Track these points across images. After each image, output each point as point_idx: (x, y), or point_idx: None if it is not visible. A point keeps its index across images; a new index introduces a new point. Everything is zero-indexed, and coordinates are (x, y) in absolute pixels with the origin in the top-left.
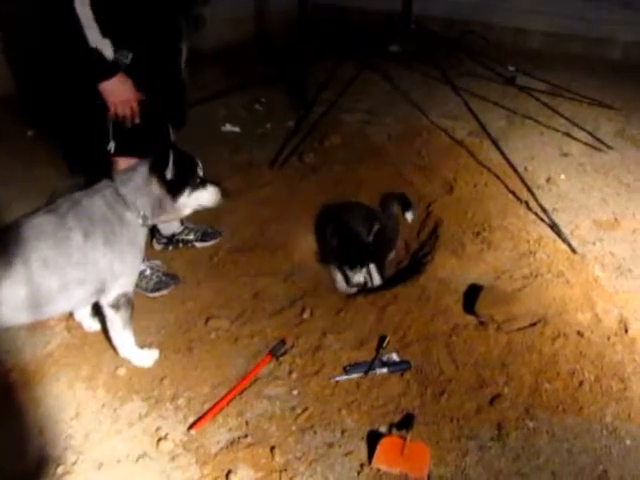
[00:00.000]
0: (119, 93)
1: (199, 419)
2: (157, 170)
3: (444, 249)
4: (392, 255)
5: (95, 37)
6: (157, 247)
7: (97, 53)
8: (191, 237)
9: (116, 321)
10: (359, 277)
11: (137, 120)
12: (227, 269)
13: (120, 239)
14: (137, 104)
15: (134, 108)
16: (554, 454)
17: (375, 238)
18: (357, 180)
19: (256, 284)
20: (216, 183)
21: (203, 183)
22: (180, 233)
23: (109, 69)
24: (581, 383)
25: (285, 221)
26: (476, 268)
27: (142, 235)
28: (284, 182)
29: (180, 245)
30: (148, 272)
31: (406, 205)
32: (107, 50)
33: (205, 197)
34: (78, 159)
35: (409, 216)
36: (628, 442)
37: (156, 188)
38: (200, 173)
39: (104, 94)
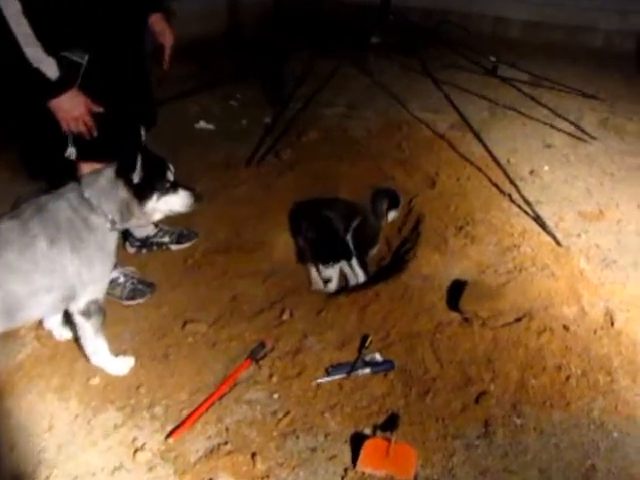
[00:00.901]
0: (69, 110)
1: (177, 427)
2: (123, 173)
3: (426, 245)
4: (374, 251)
5: (37, 56)
6: (130, 250)
7: (40, 74)
8: (166, 239)
9: (87, 328)
10: (329, 272)
11: (94, 133)
12: (203, 271)
13: (87, 245)
14: (92, 117)
15: (88, 123)
16: (542, 450)
17: (355, 233)
18: (336, 176)
19: (234, 286)
20: (188, 187)
21: (174, 187)
22: (154, 235)
23: (54, 88)
24: (568, 377)
25: (262, 220)
26: (459, 263)
27: (112, 240)
28: (261, 180)
29: (154, 248)
30: (122, 279)
31: (394, 202)
32: (51, 69)
33: (176, 202)
34: (37, 165)
35: (392, 215)
36: (615, 435)
37: (123, 192)
38: (171, 176)
39: (54, 111)
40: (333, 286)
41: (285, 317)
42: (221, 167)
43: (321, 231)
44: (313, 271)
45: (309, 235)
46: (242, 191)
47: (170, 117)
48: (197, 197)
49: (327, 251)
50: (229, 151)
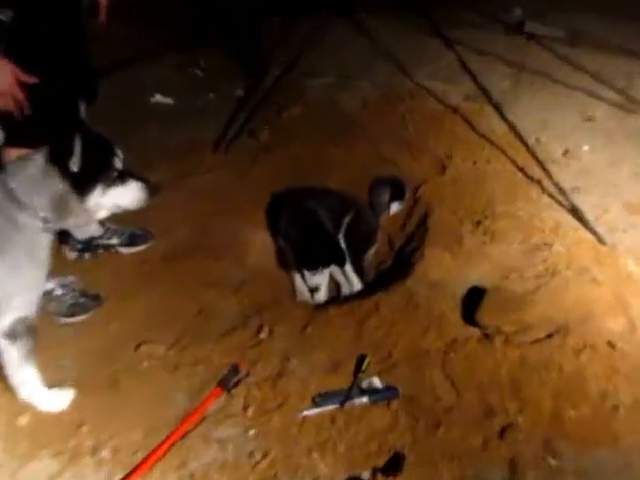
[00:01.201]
0: None
1: (129, 475)
2: (58, 160)
3: (436, 244)
4: (372, 252)
5: None
6: (71, 255)
7: None
8: (114, 241)
9: (13, 354)
10: (317, 280)
11: (26, 111)
12: (162, 280)
13: (13, 248)
14: (23, 92)
15: (17, 97)
16: None
17: (349, 231)
18: (325, 161)
19: (199, 298)
20: (141, 178)
21: (122, 177)
22: (100, 237)
23: None
24: (615, 407)
25: (234, 217)
26: (477, 266)
27: (44, 242)
28: (232, 167)
29: (100, 252)
30: (59, 292)
31: (397, 193)
32: None
33: (124, 196)
34: None
35: (394, 207)
36: None
37: (57, 183)
38: (118, 164)
39: None
40: (322, 296)
41: (263, 335)
42: (182, 152)
43: (306, 229)
44: (297, 278)
45: (292, 234)
46: (209, 181)
47: (117, 89)
48: (152, 189)
49: (314, 253)
50: (192, 132)
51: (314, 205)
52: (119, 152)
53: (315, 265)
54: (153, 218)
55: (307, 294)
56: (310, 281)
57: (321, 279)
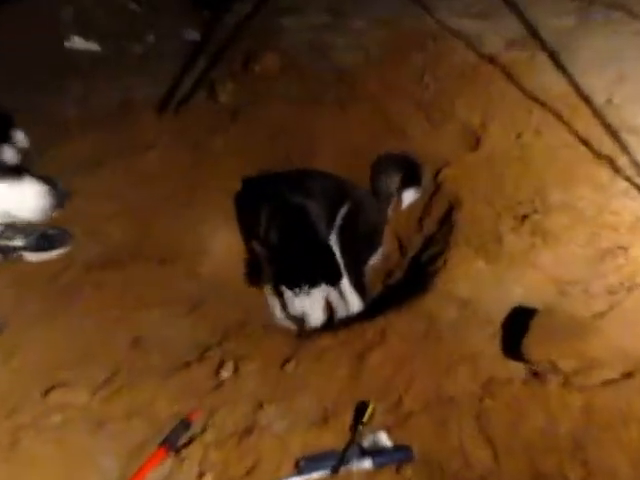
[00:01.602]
0: None
1: None
2: None
3: (466, 247)
4: (376, 259)
5: None
6: None
7: None
8: (18, 243)
9: None
10: (300, 304)
11: None
12: (84, 298)
13: None
14: None
15: None
16: None
17: (344, 230)
18: (311, 132)
19: (137, 322)
20: (45, 179)
21: (17, 175)
22: None
23: None
24: None
25: (187, 210)
26: (523, 278)
27: None
28: (184, 140)
29: None
30: None
31: (411, 177)
32: None
33: (17, 203)
34: None
35: (407, 197)
36: None
37: None
38: (9, 152)
39: None
40: (316, 318)
41: (226, 373)
42: (114, 116)
43: (292, 232)
44: (274, 297)
45: (271, 238)
46: (151, 159)
47: (17, 27)
48: (59, 196)
49: (300, 267)
50: (127, 90)
51: (302, 199)
52: (17, 133)
53: (299, 283)
54: (73, 211)
55: (285, 320)
56: (293, 306)
57: (309, 303)
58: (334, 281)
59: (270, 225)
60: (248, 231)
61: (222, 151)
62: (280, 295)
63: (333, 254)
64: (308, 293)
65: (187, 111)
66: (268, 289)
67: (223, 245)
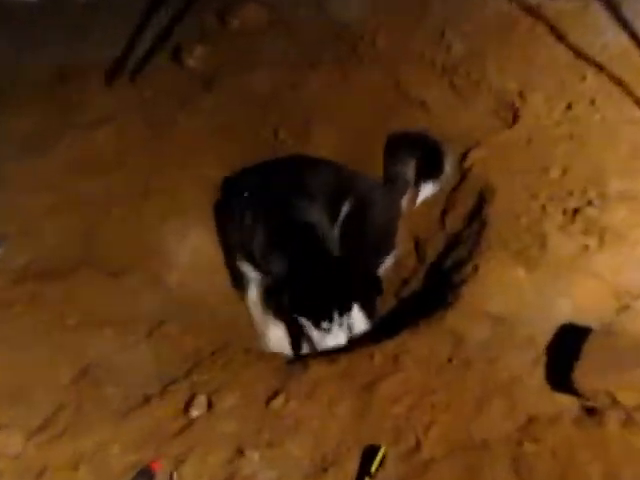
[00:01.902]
0: None
1: None
2: None
3: (500, 250)
4: (387, 266)
5: None
6: None
7: None
8: None
9: None
10: (335, 337)
11: None
12: (16, 316)
13: None
14: None
15: None
16: None
17: (346, 232)
18: (305, 106)
19: (83, 348)
20: None
21: None
22: None
23: None
24: None
25: (146, 204)
26: (574, 289)
27: None
28: (141, 114)
29: None
30: None
31: (433, 162)
32: None
33: None
34: None
35: (428, 186)
36: None
37: None
38: None
39: None
40: (339, 338)
41: (196, 411)
42: (53, 85)
43: (297, 256)
44: (269, 321)
45: (271, 264)
46: (101, 139)
47: None
48: None
49: (321, 297)
50: (68, 50)
51: (293, 194)
52: None
53: (325, 314)
54: (3, 209)
55: (278, 341)
56: (323, 342)
57: (341, 334)
58: (343, 307)
59: (270, 250)
60: (231, 243)
61: (192, 130)
62: (285, 319)
63: (338, 268)
64: (340, 320)
65: (146, 79)
66: (257, 304)
67: (194, 248)
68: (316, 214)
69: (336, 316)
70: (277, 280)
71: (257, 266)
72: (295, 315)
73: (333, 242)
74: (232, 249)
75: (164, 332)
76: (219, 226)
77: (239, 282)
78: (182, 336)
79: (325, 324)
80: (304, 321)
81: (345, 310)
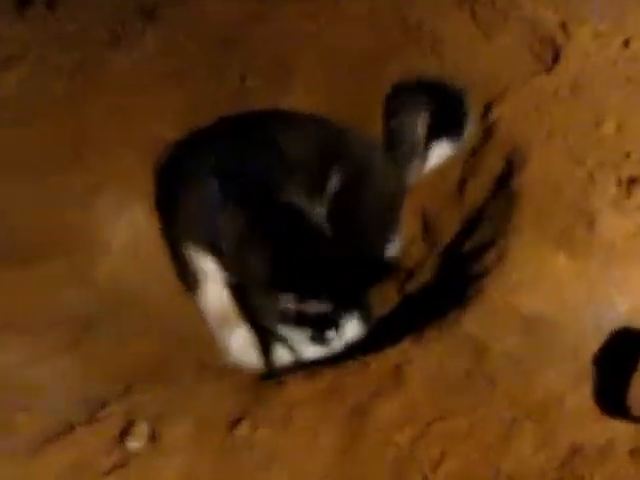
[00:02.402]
0: None
1: None
2: None
3: (534, 232)
4: (390, 254)
5: None
6: None
7: None
8: None
9: None
10: (334, 337)
11: None
12: None
13: None
14: None
15: None
16: None
17: (336, 211)
18: (281, 41)
19: None
20: None
21: None
22: None
23: None
24: None
25: (68, 176)
26: (631, 283)
27: None
28: (64, 53)
29: None
30: None
31: (448, 115)
32: None
33: None
34: None
35: (443, 149)
36: None
37: None
38: None
39: None
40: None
41: (136, 443)
42: None
43: (255, 222)
44: (220, 316)
45: (252, 266)
46: (7, 85)
47: None
48: None
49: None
50: None
51: (265, 159)
52: None
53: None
54: None
55: (249, 352)
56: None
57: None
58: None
59: (246, 240)
60: (180, 226)
61: (129, 75)
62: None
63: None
64: (344, 320)
65: (69, 8)
66: (212, 304)
67: (132, 230)
68: (297, 191)
69: (341, 316)
70: (260, 281)
71: (222, 259)
72: (288, 324)
73: (323, 228)
74: (181, 234)
75: (92, 339)
76: (163, 202)
77: (190, 277)
78: (116, 345)
79: (331, 334)
80: (298, 332)
81: (352, 311)
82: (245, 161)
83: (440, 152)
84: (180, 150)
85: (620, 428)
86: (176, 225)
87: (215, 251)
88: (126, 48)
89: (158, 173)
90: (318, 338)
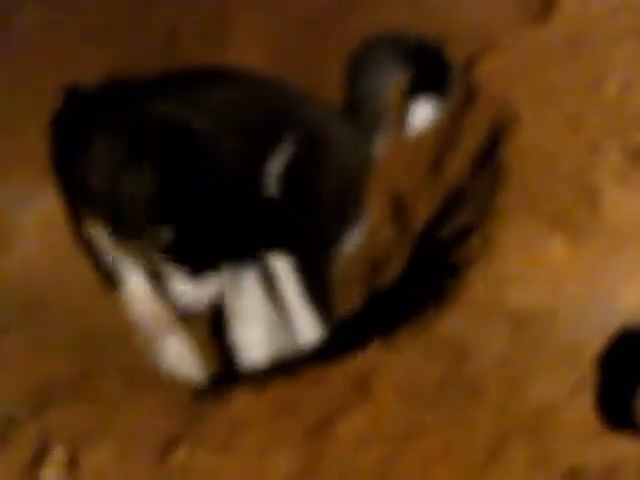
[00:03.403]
0: None
1: None
2: None
3: (526, 213)
4: (354, 242)
5: None
6: None
7: None
8: None
9: None
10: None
11: None
12: None
13: None
14: None
15: None
16: None
17: (287, 190)
18: None
19: None
20: None
21: None
22: None
23: None
24: None
25: None
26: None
27: None
28: None
29: None
30: None
31: (426, 74)
32: None
33: None
34: None
35: (421, 114)
36: None
37: None
38: None
39: None
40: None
41: (51, 470)
42: None
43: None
44: (151, 314)
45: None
46: None
47: None
48: None
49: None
50: None
51: (195, 117)
52: None
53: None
54: None
55: (187, 359)
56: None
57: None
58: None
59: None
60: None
61: (36, 31)
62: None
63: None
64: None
65: None
66: (139, 300)
67: (44, 216)
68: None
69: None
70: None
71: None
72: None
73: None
74: (83, 213)
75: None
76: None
77: (106, 269)
78: (27, 352)
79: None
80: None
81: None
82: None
83: (420, 119)
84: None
85: (627, 444)
86: (78, 202)
87: (117, 223)
88: (33, 8)
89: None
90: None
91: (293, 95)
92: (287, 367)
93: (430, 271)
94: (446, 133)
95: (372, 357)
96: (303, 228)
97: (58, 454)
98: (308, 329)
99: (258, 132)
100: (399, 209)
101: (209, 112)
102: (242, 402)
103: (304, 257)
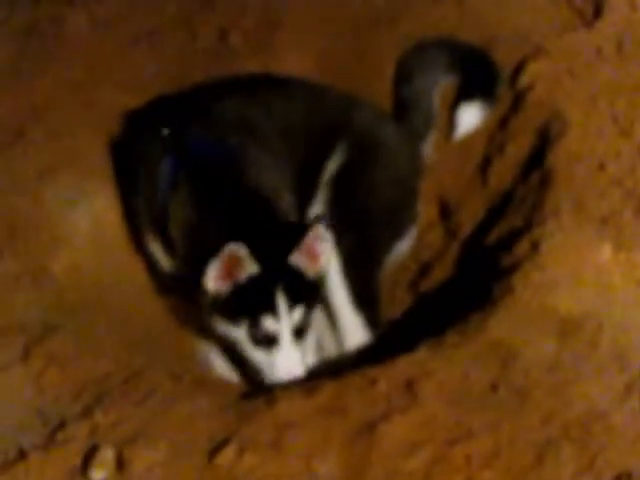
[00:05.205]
0: None
1: None
2: None
3: (574, 217)
4: (404, 248)
5: None
6: None
7: None
8: None
9: None
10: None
11: None
12: None
13: None
14: None
15: None
16: None
17: (338, 197)
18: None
19: None
20: None
21: None
22: None
23: None
24: None
25: (15, 153)
26: None
27: None
28: (6, 8)
29: None
30: None
31: (474, 79)
32: None
33: None
34: None
35: (469, 117)
36: None
37: None
38: None
39: None
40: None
41: (100, 472)
42: None
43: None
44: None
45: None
46: None
47: None
48: None
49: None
50: None
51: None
52: None
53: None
54: None
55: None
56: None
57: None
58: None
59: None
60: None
61: (85, 34)
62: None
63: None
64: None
65: None
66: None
67: (94, 219)
68: (277, 177)
69: (283, 306)
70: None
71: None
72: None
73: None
74: (141, 223)
75: (48, 349)
76: (126, 185)
77: (159, 277)
78: (76, 354)
79: (268, 320)
80: (231, 329)
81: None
82: (206, 136)
83: (467, 122)
84: (138, 123)
85: None
86: (135, 212)
87: (167, 242)
88: (85, 8)
89: (115, 152)
90: (254, 335)
91: (345, 101)
92: (335, 370)
93: (477, 275)
94: (494, 137)
95: (419, 361)
96: (354, 233)
97: (107, 455)
98: (357, 334)
99: (312, 139)
100: (446, 213)
101: (272, 126)
102: (289, 404)
103: (354, 263)
